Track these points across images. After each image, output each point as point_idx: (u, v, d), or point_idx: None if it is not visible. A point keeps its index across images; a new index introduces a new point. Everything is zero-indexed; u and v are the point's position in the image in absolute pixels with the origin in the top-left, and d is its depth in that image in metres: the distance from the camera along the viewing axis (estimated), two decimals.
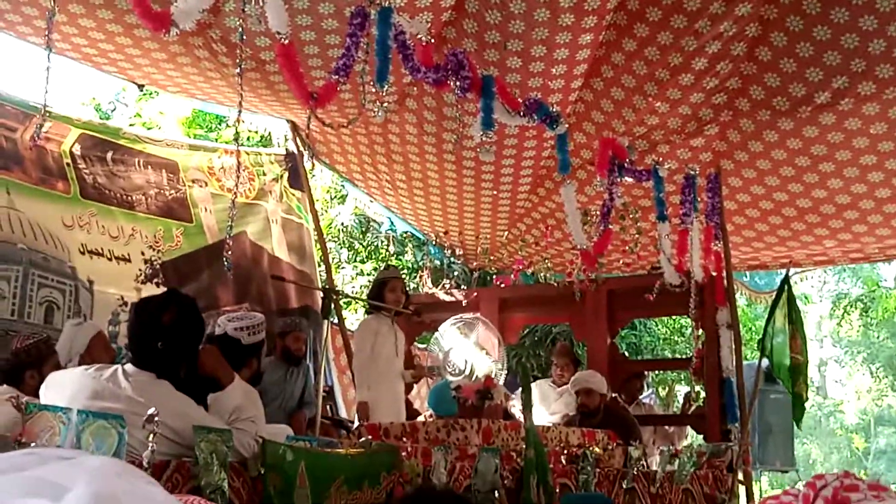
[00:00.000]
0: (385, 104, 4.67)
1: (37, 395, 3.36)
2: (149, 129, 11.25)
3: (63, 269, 6.43)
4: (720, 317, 6.97)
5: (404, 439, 4.47)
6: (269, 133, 8.38)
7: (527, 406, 4.37)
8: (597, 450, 4.78)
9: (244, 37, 4.38)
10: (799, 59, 5.92)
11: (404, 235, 9.64)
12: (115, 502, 0.69)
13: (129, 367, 3.18)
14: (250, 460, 3.21)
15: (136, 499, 0.71)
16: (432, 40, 4.93)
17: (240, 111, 4.40)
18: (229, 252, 4.42)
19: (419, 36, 4.80)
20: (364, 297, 6.53)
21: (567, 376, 7.44)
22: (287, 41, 4.19)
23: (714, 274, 7.12)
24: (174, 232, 7.33)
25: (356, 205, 10.00)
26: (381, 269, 6.92)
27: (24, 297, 6.14)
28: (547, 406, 7.39)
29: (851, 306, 21.23)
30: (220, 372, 3.41)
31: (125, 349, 5.98)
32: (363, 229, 12.71)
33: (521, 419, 4.59)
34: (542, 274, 8.55)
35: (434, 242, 9.23)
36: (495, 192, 8.03)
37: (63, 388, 3.14)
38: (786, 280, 7.77)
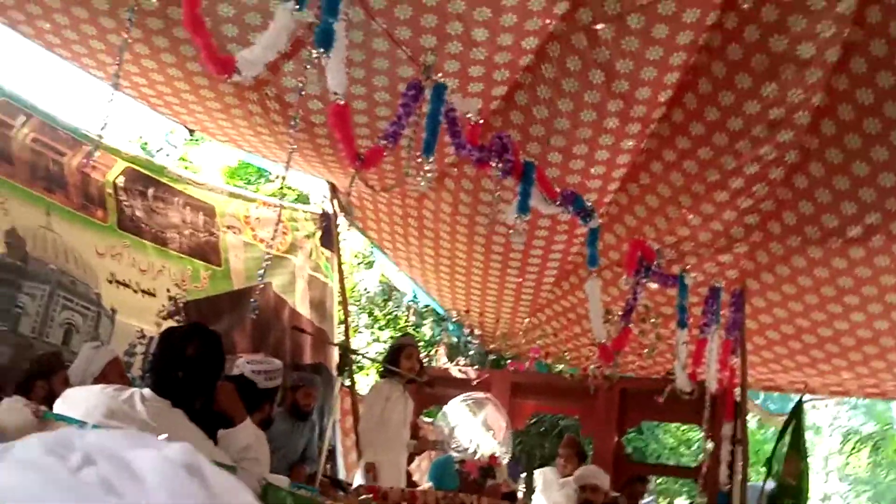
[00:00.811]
0: (428, 175, 4.78)
1: (46, 405, 3.42)
2: (192, 172, 11.47)
3: (89, 295, 6.53)
4: (725, 430, 6.94)
5: (403, 503, 4.47)
6: (308, 193, 8.56)
7: (528, 491, 4.38)
8: None
9: (302, 92, 4.56)
10: (835, 191, 5.99)
11: (425, 309, 9.72)
12: (202, 460, 0.76)
13: (146, 391, 3.25)
14: None
15: (217, 476, 0.78)
16: (481, 121, 5.08)
17: (289, 160, 4.55)
18: (258, 294, 4.51)
19: (468, 115, 4.95)
20: (380, 360, 6.57)
21: (570, 468, 7.41)
22: (343, 101, 4.34)
23: (727, 387, 7.12)
24: (202, 273, 7.45)
25: (382, 272, 10.12)
26: (399, 336, 6.97)
27: (46, 317, 6.23)
28: (548, 495, 7.34)
29: (861, 443, 20.91)
30: (234, 410, 3.47)
31: (139, 380, 6.06)
32: (385, 297, 12.82)
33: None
34: (557, 366, 8.59)
35: (454, 319, 9.30)
36: (520, 280, 8.11)
37: (78, 403, 3.20)
38: (799, 404, 7.75)
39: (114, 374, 4.86)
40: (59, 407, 3.26)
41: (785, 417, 8.03)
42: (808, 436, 20.84)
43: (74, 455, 0.70)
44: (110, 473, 0.69)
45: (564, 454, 7.67)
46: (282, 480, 4.23)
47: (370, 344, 12.79)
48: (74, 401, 3.26)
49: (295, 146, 4.40)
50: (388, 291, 12.46)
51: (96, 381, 4.72)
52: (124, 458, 0.71)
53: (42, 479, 0.67)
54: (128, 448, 0.73)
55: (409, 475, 6.95)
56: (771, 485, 7.39)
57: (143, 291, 6.96)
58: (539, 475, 7.51)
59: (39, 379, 4.48)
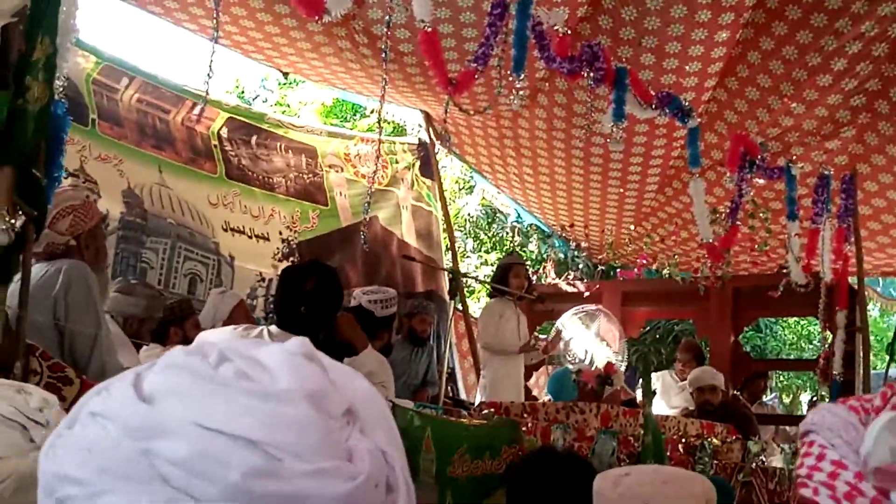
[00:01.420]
0: (520, 93, 4.79)
1: None
2: (290, 116, 11.68)
3: (207, 245, 6.82)
4: (839, 318, 6.82)
5: (524, 415, 4.60)
6: (404, 123, 8.63)
7: (646, 393, 4.45)
8: (715, 441, 4.80)
9: (390, 25, 4.60)
10: None
11: (530, 227, 9.76)
12: (317, 352, 0.87)
13: (273, 328, 3.42)
14: None
15: (332, 364, 0.89)
16: (569, 32, 5.03)
17: (382, 95, 4.61)
18: (364, 229, 4.63)
19: (556, 27, 4.92)
20: (488, 281, 6.67)
21: (688, 371, 7.43)
22: (430, 28, 4.37)
23: (842, 276, 6.98)
24: (310, 214, 7.66)
25: (483, 196, 10.17)
26: (505, 255, 7.03)
27: (171, 269, 6.55)
28: (667, 399, 7.40)
29: None
30: (356, 339, 3.64)
31: (262, 321, 6.32)
32: (489, 220, 12.90)
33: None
34: (666, 270, 8.54)
35: (559, 235, 9.33)
36: (622, 190, 8.06)
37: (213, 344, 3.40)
38: None
39: (241, 316, 5.09)
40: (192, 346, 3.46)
41: None
42: None
43: (212, 355, 0.80)
44: (243, 366, 0.80)
45: (683, 358, 7.66)
46: (407, 403, 4.41)
47: (478, 267, 12.94)
48: (208, 342, 3.46)
49: (386, 78, 4.44)
50: (492, 214, 12.53)
51: (224, 324, 4.97)
52: (253, 354, 0.83)
53: (189, 375, 0.78)
54: (254, 347, 0.86)
55: (528, 391, 7.08)
56: (893, 371, 7.24)
57: (257, 236, 7.21)
58: (657, 379, 7.55)
59: (173, 325, 4.75)
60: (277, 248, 7.32)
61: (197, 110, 6.68)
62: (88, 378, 3.04)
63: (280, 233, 7.39)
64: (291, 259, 7.27)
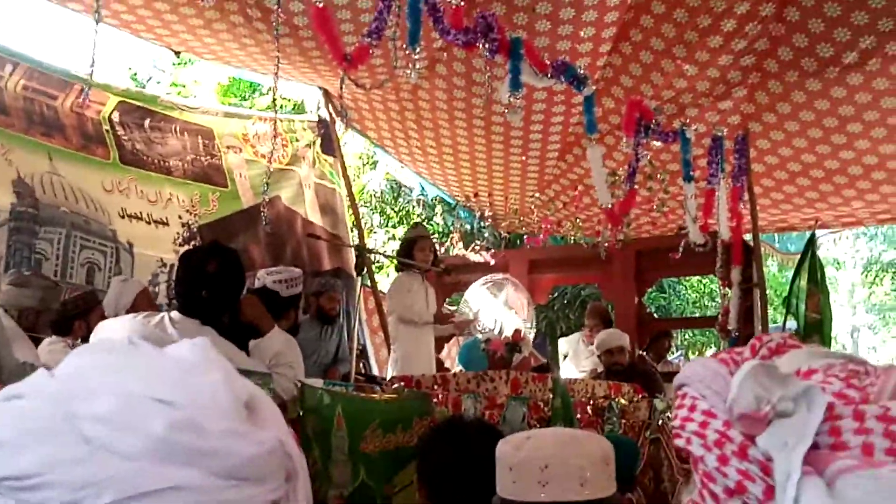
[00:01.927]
0: (417, 66, 4.76)
1: (85, 342, 3.53)
2: (185, 97, 11.41)
3: (104, 232, 6.63)
4: (734, 275, 7.02)
5: (435, 387, 4.62)
6: (303, 101, 8.53)
7: (553, 358, 4.51)
8: (622, 401, 4.90)
9: (280, 2, 4.52)
10: (826, 19, 5.92)
11: (434, 200, 9.77)
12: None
13: (175, 314, 3.35)
14: (290, 403, 3.37)
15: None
16: (462, 3, 5.01)
17: (276, 76, 4.54)
18: (265, 210, 4.57)
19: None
20: (395, 256, 6.67)
21: (596, 335, 7.58)
22: (321, 4, 4.30)
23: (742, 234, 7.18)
24: (210, 196, 7.52)
25: (387, 170, 10.15)
26: (410, 229, 7.01)
27: (67, 259, 6.35)
28: (577, 363, 7.52)
29: (883, 271, 21.09)
30: (261, 320, 3.58)
31: (166, 307, 6.19)
32: (394, 194, 12.88)
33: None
34: (571, 236, 8.66)
35: (464, 206, 9.36)
36: (524, 157, 8.12)
37: (113, 333, 3.31)
38: (811, 240, 7.82)
39: (144, 303, 4.97)
40: (95, 339, 3.37)
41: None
42: (831, 271, 21.06)
43: (126, 340, 0.92)
44: (156, 345, 0.91)
45: (591, 323, 7.80)
46: (316, 382, 4.38)
47: (386, 242, 12.91)
48: (108, 332, 3.38)
49: (279, 54, 4.36)
50: (397, 188, 12.52)
51: (128, 312, 4.85)
52: (163, 340, 0.91)
53: (105, 352, 0.88)
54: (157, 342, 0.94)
55: (440, 364, 7.12)
56: (792, 324, 7.50)
57: (156, 221, 7.05)
58: (565, 343, 7.66)
59: (77, 319, 4.62)
60: (178, 233, 7.17)
61: (83, 95, 6.48)
62: None
63: (180, 217, 7.23)
64: (193, 243, 7.13)
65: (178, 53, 7.27)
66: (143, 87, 11.77)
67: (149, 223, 7.00)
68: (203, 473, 0.79)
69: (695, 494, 0.97)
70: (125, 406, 0.78)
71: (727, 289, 7.32)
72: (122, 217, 6.79)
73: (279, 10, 4.62)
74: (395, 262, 6.91)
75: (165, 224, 7.12)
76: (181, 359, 0.86)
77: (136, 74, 14.13)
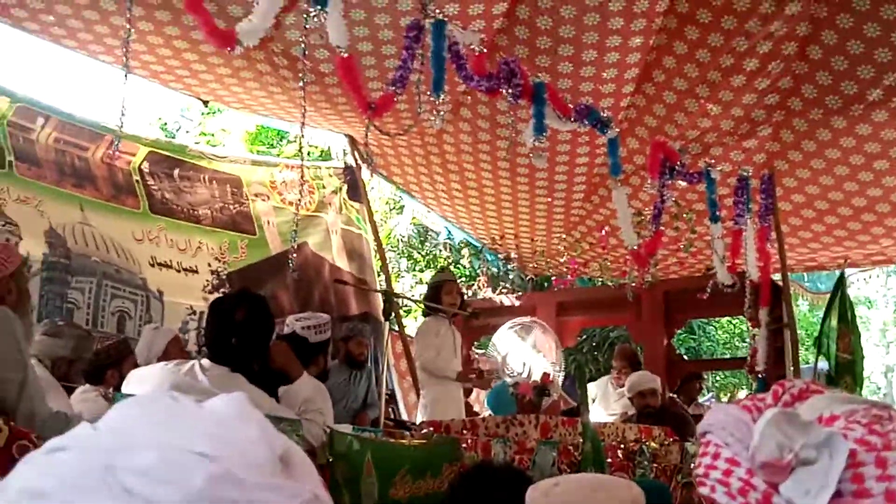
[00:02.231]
0: (441, 112, 4.82)
1: (118, 391, 3.56)
2: (213, 146, 11.56)
3: (134, 281, 6.71)
4: (762, 315, 6.97)
5: (464, 432, 4.60)
6: (329, 148, 8.61)
7: (583, 401, 4.48)
8: (653, 445, 4.85)
9: (305, 52, 4.59)
10: (850, 57, 5.92)
11: (461, 244, 9.79)
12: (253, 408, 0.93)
13: (205, 361, 3.38)
14: (319, 449, 3.37)
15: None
16: (485, 50, 5.08)
17: (302, 124, 4.60)
18: (293, 256, 4.60)
19: (472, 46, 4.96)
20: (421, 300, 6.67)
21: (624, 378, 7.51)
22: (346, 54, 4.37)
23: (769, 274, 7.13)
24: (239, 244, 7.59)
25: (414, 215, 10.19)
26: (436, 273, 7.02)
27: (98, 307, 6.42)
28: (606, 406, 7.46)
29: None
30: (291, 366, 3.60)
31: (195, 354, 6.23)
32: (421, 239, 12.93)
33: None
34: (598, 278, 8.64)
35: (490, 249, 9.37)
36: (550, 199, 8.14)
37: (144, 381, 3.35)
38: (841, 279, 7.75)
39: (175, 351, 5.01)
40: (126, 388, 3.41)
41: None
42: (862, 310, 20.79)
43: (167, 394, 0.92)
44: (194, 399, 0.93)
45: (619, 365, 7.74)
46: (346, 428, 4.38)
47: (413, 287, 12.93)
48: (140, 380, 3.41)
49: (305, 102, 4.42)
50: (423, 232, 12.56)
51: (160, 360, 4.88)
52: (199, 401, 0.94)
53: (148, 403, 0.90)
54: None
55: (469, 408, 7.08)
56: (823, 364, 7.41)
57: (186, 269, 7.12)
58: (594, 386, 7.60)
59: (110, 367, 4.65)
60: (207, 281, 7.23)
61: (114, 147, 6.60)
62: (17, 424, 2.96)
63: (209, 265, 7.30)
64: (222, 290, 7.18)
65: (206, 103, 7.39)
66: (173, 137, 11.94)
67: (178, 271, 7.07)
68: None
69: None
70: (166, 460, 0.80)
71: (756, 329, 7.25)
72: (153, 266, 6.86)
73: (305, 58, 4.69)
74: (422, 306, 6.91)
75: (195, 272, 7.19)
76: (219, 413, 0.87)
77: (165, 125, 14.35)
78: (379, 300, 8.11)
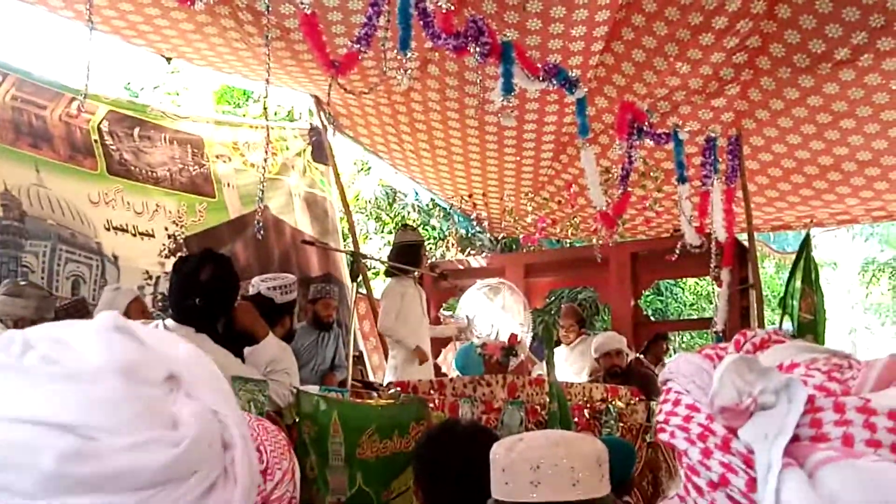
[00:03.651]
0: (408, 71, 4.75)
1: None
2: (178, 106, 11.40)
3: (89, 245, 6.60)
4: (724, 275, 7.01)
5: (432, 392, 4.60)
6: (293, 109, 8.51)
7: (550, 361, 4.49)
8: (619, 404, 4.89)
9: (269, 7, 4.50)
10: (818, 15, 5.90)
11: (430, 204, 9.76)
12: (130, 323, 0.85)
13: (169, 322, 3.35)
14: (285, 409, 3.35)
15: (148, 331, 0.86)
16: (452, 8, 5.01)
17: (267, 80, 4.52)
18: (260, 218, 4.55)
19: (439, 3, 4.89)
20: (388, 261, 6.63)
21: (572, 337, 7.60)
22: (310, 11, 4.29)
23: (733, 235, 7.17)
24: (197, 207, 7.47)
25: (381, 177, 10.13)
26: (401, 230, 6.91)
27: (52, 272, 6.32)
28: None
29: (880, 271, 21.10)
30: (256, 327, 3.56)
31: (157, 317, 6.17)
32: (389, 200, 12.86)
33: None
34: (566, 238, 8.65)
35: (459, 209, 9.34)
36: (518, 158, 8.11)
37: None
38: (806, 240, 7.80)
39: (137, 312, 4.97)
40: None
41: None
42: (828, 272, 21.04)
43: (15, 345, 0.80)
44: (49, 350, 0.80)
45: (566, 324, 7.80)
46: (312, 388, 4.37)
47: (381, 249, 12.89)
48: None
49: (269, 59, 4.35)
50: (391, 194, 12.50)
51: None
52: (61, 336, 0.82)
53: None
54: (64, 329, 0.84)
55: (437, 369, 7.09)
56: (788, 325, 7.48)
57: (142, 233, 7.01)
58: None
59: None
60: (164, 245, 7.14)
61: (75, 106, 6.48)
62: None
63: (166, 228, 7.19)
64: (178, 254, 7.08)
65: (169, 60, 7.25)
66: (136, 97, 11.73)
67: (134, 235, 6.96)
68: (111, 496, 0.74)
69: (680, 488, 0.97)
70: (9, 440, 0.73)
71: (720, 289, 7.30)
72: (108, 229, 6.75)
73: (269, 13, 4.61)
74: (385, 267, 6.87)
75: (151, 236, 7.08)
76: (72, 366, 0.79)
77: (129, 84, 14.10)
78: (342, 261, 8.08)
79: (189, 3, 3.84)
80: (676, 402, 0.98)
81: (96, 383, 0.77)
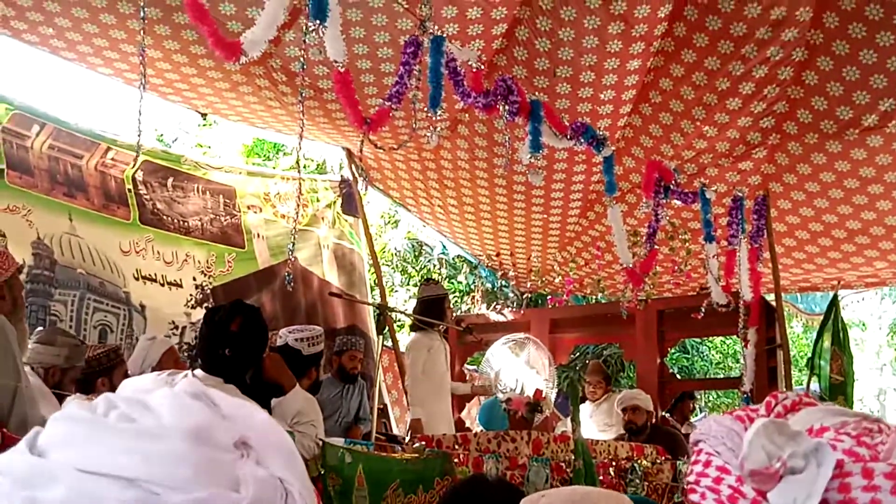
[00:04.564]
0: (437, 129, 4.84)
1: None
2: (210, 158, 11.57)
3: (118, 294, 6.68)
4: (750, 335, 6.99)
5: (456, 447, 4.60)
6: (325, 161, 8.62)
7: (576, 419, 4.49)
8: (645, 463, 4.86)
9: (304, 66, 4.61)
10: (845, 83, 5.96)
11: (456, 259, 9.79)
12: (208, 389, 0.90)
13: (198, 372, 3.39)
14: (311, 461, 3.38)
15: (226, 399, 0.91)
16: (483, 67, 5.10)
17: (301, 135, 4.60)
18: (290, 267, 4.62)
19: (470, 63, 4.99)
20: (413, 315, 6.67)
21: (599, 393, 7.60)
22: (343, 69, 4.39)
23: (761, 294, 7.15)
24: (226, 257, 7.55)
25: (409, 230, 10.19)
26: (424, 284, 6.95)
27: (80, 321, 6.40)
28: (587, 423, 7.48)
29: None
30: (283, 378, 3.61)
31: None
32: (416, 253, 12.93)
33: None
34: (592, 296, 8.65)
35: (486, 265, 9.38)
36: (545, 216, 8.17)
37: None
38: (834, 301, 7.76)
39: (170, 362, 5.00)
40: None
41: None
42: (857, 332, 20.80)
43: (101, 405, 0.88)
44: (129, 410, 0.86)
45: (592, 381, 7.81)
46: (338, 441, 4.38)
47: (406, 301, 12.93)
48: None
49: (303, 115, 4.43)
50: (418, 247, 12.57)
51: (153, 370, 4.87)
52: (141, 398, 0.89)
53: (75, 424, 0.84)
54: (145, 391, 0.89)
55: (461, 424, 7.08)
56: (816, 385, 7.42)
57: (170, 283, 7.09)
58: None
59: (101, 376, 4.65)
60: (191, 295, 7.21)
61: (111, 155, 6.61)
62: (9, 431, 2.96)
63: (194, 278, 7.27)
64: (205, 305, 7.15)
65: (204, 115, 7.40)
66: (169, 148, 11.93)
67: (162, 285, 7.05)
68: None
69: None
70: (80, 490, 0.78)
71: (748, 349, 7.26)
72: (137, 279, 6.84)
73: (304, 72, 4.70)
74: (411, 321, 6.90)
75: (179, 286, 7.16)
76: (145, 425, 0.85)
77: (161, 136, 14.35)
78: (368, 314, 8.11)
79: (234, 59, 3.93)
80: (707, 464, 1.00)
81: (161, 441, 0.82)
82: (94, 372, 4.64)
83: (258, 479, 0.85)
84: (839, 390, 7.40)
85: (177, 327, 6.98)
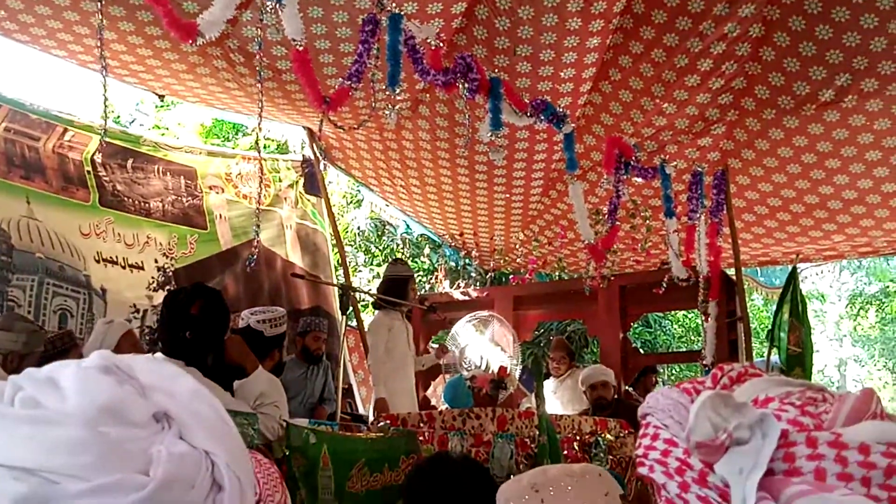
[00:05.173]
0: (397, 107, 4.81)
1: None
2: (168, 138, 11.44)
3: (77, 278, 6.59)
4: (711, 308, 7.07)
5: (421, 425, 4.61)
6: (286, 141, 8.56)
7: (539, 394, 4.51)
8: (609, 437, 4.90)
9: (261, 46, 4.56)
10: (802, 58, 6.01)
11: (420, 238, 9.78)
12: (118, 360, 0.87)
13: (158, 355, 3.35)
14: (275, 443, 3.37)
15: (147, 369, 0.88)
16: (441, 45, 5.08)
17: (260, 118, 4.57)
18: (255, 249, 4.59)
19: (429, 41, 4.96)
20: (377, 294, 6.66)
21: (563, 369, 7.67)
22: (302, 48, 4.35)
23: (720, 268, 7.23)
24: (188, 239, 7.49)
25: (372, 209, 10.16)
26: (392, 263, 6.94)
27: (39, 306, 6.31)
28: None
29: (868, 304, 21.27)
30: (245, 360, 3.59)
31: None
32: (379, 233, 12.89)
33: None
34: (556, 273, 8.69)
35: (449, 244, 9.39)
36: (508, 195, 8.19)
37: None
38: (793, 274, 7.86)
39: (128, 345, 4.95)
40: None
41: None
42: (816, 304, 21.13)
43: (7, 390, 0.84)
44: (35, 391, 0.83)
45: (556, 357, 7.88)
46: (301, 422, 4.38)
47: (371, 281, 12.91)
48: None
49: (262, 96, 4.40)
50: (381, 227, 12.54)
51: None
52: (49, 377, 0.85)
53: None
54: (54, 370, 0.86)
55: (426, 402, 7.10)
56: (776, 357, 7.52)
57: (131, 266, 7.01)
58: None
59: (56, 358, 4.58)
60: (153, 278, 7.14)
61: (68, 136, 6.49)
62: None
63: (155, 261, 7.20)
64: (167, 287, 7.09)
65: (161, 97, 7.30)
66: (127, 129, 11.78)
67: (124, 267, 6.96)
68: None
69: None
70: None
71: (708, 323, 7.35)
72: (98, 262, 6.75)
73: (261, 52, 4.66)
74: (373, 300, 6.89)
75: (140, 268, 7.08)
76: (45, 412, 0.81)
77: (118, 117, 14.16)
78: (332, 294, 8.10)
79: (190, 41, 3.88)
80: (655, 437, 1.01)
81: (63, 427, 0.79)
82: (48, 355, 4.58)
83: (175, 454, 0.82)
84: (797, 361, 7.49)
85: (138, 310, 6.91)
